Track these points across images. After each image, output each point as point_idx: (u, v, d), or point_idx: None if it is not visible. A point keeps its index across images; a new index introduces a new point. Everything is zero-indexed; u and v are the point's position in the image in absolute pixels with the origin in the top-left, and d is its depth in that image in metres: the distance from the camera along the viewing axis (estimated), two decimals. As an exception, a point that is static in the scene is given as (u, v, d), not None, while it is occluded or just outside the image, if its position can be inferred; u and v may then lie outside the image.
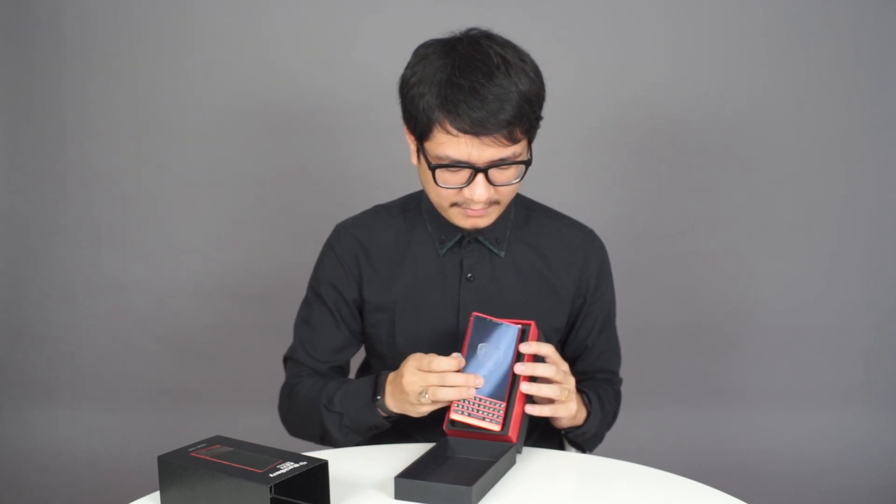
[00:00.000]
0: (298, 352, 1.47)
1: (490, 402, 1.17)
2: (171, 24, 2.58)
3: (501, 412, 1.16)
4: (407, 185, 1.58)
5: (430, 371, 1.18)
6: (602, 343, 1.49)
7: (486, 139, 1.20)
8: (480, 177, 1.23)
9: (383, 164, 2.55)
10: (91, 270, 2.70)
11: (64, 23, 2.59)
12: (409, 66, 1.27)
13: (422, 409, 1.21)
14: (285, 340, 2.49)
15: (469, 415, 1.16)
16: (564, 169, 2.60)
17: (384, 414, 1.29)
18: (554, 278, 1.42)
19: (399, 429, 1.43)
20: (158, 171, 2.66)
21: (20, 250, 2.72)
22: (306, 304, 1.49)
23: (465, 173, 1.24)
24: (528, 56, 1.27)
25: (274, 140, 2.63)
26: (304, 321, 1.48)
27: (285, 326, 2.58)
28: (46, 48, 2.61)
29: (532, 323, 1.24)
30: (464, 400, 1.17)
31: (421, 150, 1.27)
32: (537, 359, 1.22)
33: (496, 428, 1.15)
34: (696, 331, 2.69)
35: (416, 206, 1.44)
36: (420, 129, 1.25)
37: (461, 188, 1.25)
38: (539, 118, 1.27)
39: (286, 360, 1.50)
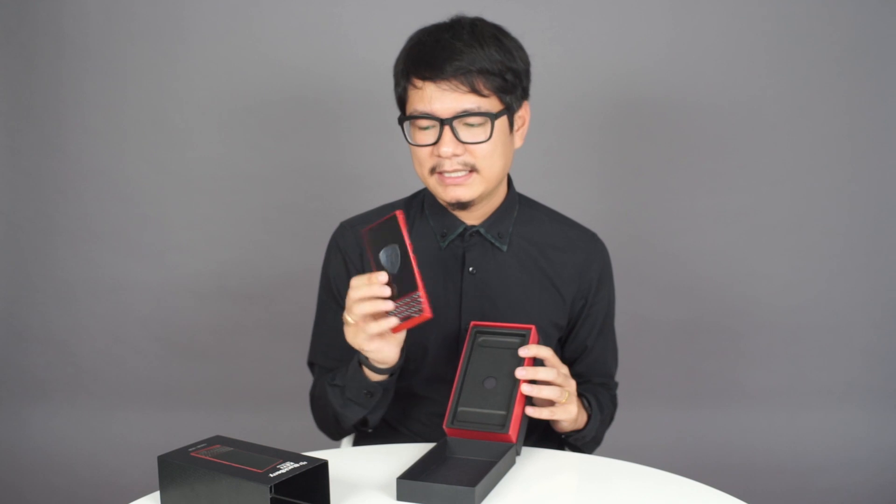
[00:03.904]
0: (318, 355, 1.48)
1: (407, 299, 1.15)
2: (170, 23, 2.58)
3: (420, 299, 1.13)
4: (408, 184, 1.58)
5: (351, 303, 1.17)
6: (601, 345, 1.50)
7: (443, 84, 1.26)
8: (446, 130, 1.27)
9: (384, 164, 2.56)
10: (91, 270, 2.70)
11: (64, 23, 2.59)
12: None
13: (367, 343, 1.19)
14: (285, 340, 2.51)
15: (401, 319, 1.15)
16: (562, 167, 2.60)
17: (376, 377, 1.28)
18: (556, 277, 1.43)
19: (389, 424, 1.45)
20: (158, 171, 2.66)
21: (20, 250, 2.72)
22: (319, 306, 1.50)
23: (435, 130, 1.28)
24: (512, 35, 1.33)
25: (274, 139, 2.63)
26: (319, 323, 1.49)
27: (286, 326, 2.61)
28: (46, 48, 2.61)
29: (532, 327, 1.24)
30: (393, 311, 1.16)
31: (404, 124, 1.33)
32: (537, 362, 1.23)
33: (427, 315, 1.13)
34: (695, 330, 2.69)
35: (420, 202, 1.45)
36: (399, 97, 1.34)
37: (432, 146, 1.29)
38: (512, 82, 1.30)
39: (310, 364, 1.51)
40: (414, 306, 1.14)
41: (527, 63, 1.34)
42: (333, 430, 1.43)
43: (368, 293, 1.15)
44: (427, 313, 1.13)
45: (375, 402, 1.31)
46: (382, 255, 1.16)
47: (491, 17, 1.36)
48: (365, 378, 1.28)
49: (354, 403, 1.32)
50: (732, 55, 2.57)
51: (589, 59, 2.57)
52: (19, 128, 2.67)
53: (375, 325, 1.16)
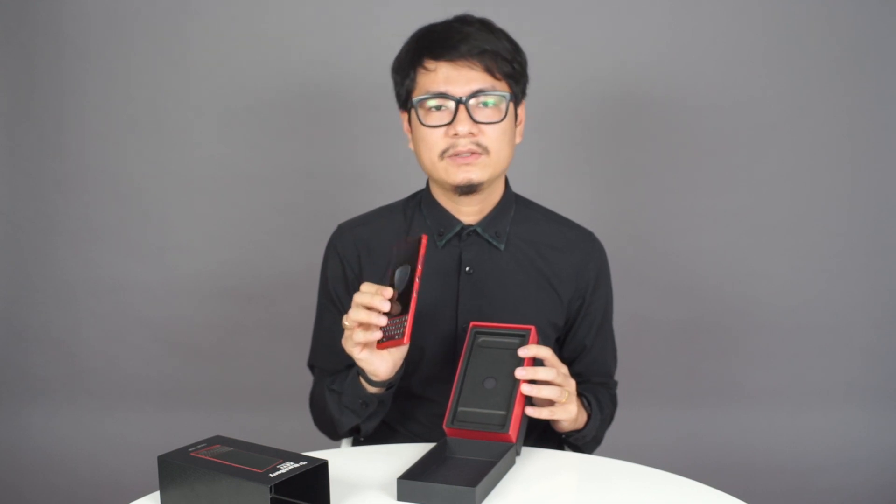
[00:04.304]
0: (317, 358, 1.48)
1: (397, 320, 1.16)
2: (170, 23, 2.58)
3: (405, 323, 1.14)
4: (408, 184, 1.58)
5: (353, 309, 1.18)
6: (599, 344, 1.50)
7: (460, 63, 1.28)
8: (461, 109, 1.28)
9: (384, 164, 2.56)
10: (91, 270, 2.70)
11: (64, 23, 2.59)
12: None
13: (355, 351, 1.20)
14: (285, 340, 2.51)
15: (387, 338, 1.16)
16: (562, 167, 2.60)
17: (371, 389, 1.28)
18: (553, 276, 1.43)
19: (388, 425, 1.45)
20: (158, 171, 2.66)
21: (20, 250, 2.72)
22: (318, 308, 1.50)
23: (449, 112, 1.29)
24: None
25: (274, 139, 2.63)
26: (317, 326, 1.50)
27: (285, 326, 2.61)
28: (46, 48, 2.61)
29: (532, 328, 1.24)
30: (384, 327, 1.16)
31: (412, 110, 1.33)
32: (537, 362, 1.23)
33: (404, 342, 1.13)
34: (695, 330, 2.69)
35: (417, 203, 1.46)
36: (406, 88, 1.34)
37: (447, 126, 1.29)
38: (519, 72, 1.34)
39: (310, 366, 1.52)
40: (399, 329, 1.15)
41: (526, 65, 1.37)
42: (331, 432, 1.44)
43: (369, 302, 1.15)
44: (404, 340, 1.13)
45: (370, 412, 1.32)
46: (398, 273, 1.18)
47: (490, 17, 1.37)
48: (361, 388, 1.29)
49: (350, 411, 1.33)
50: (732, 55, 2.57)
51: (588, 59, 2.57)
52: (19, 128, 2.67)
53: (361, 335, 1.17)
